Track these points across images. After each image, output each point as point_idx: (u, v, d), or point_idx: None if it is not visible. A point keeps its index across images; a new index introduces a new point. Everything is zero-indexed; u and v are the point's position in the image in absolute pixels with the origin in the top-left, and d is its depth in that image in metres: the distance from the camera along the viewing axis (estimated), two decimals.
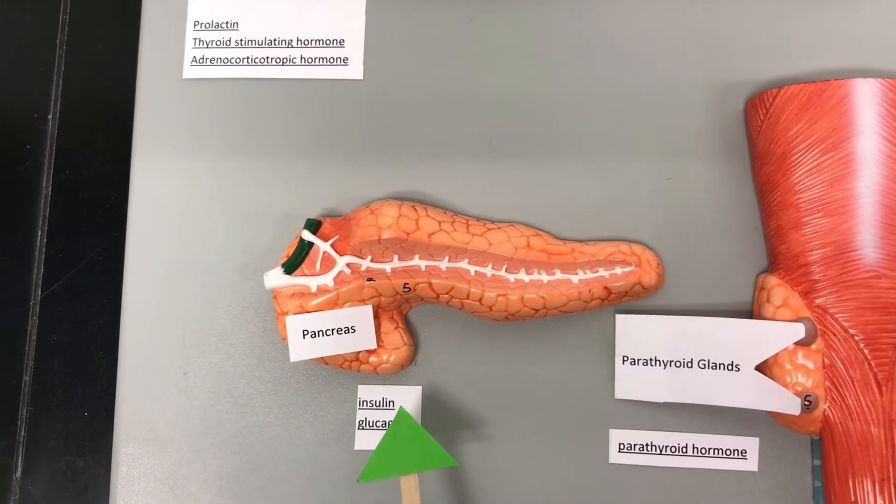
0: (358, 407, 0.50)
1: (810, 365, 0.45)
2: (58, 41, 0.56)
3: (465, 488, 0.49)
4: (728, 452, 0.48)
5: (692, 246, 0.50)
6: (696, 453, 0.48)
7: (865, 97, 0.46)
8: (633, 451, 0.49)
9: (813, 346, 0.45)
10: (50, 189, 0.55)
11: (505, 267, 0.48)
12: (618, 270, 0.48)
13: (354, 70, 0.52)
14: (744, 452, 0.48)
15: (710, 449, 0.48)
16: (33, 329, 0.54)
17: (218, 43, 0.53)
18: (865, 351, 0.45)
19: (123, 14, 0.55)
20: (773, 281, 0.47)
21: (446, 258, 0.48)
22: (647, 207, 0.50)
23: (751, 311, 0.49)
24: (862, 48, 0.51)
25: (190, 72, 0.53)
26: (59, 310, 0.54)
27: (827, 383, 0.45)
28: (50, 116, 0.56)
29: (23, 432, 0.53)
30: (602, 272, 0.48)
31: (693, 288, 0.50)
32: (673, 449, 0.48)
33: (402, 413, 0.45)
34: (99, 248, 0.54)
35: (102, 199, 0.55)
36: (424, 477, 0.49)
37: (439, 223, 0.48)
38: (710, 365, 0.46)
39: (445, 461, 0.45)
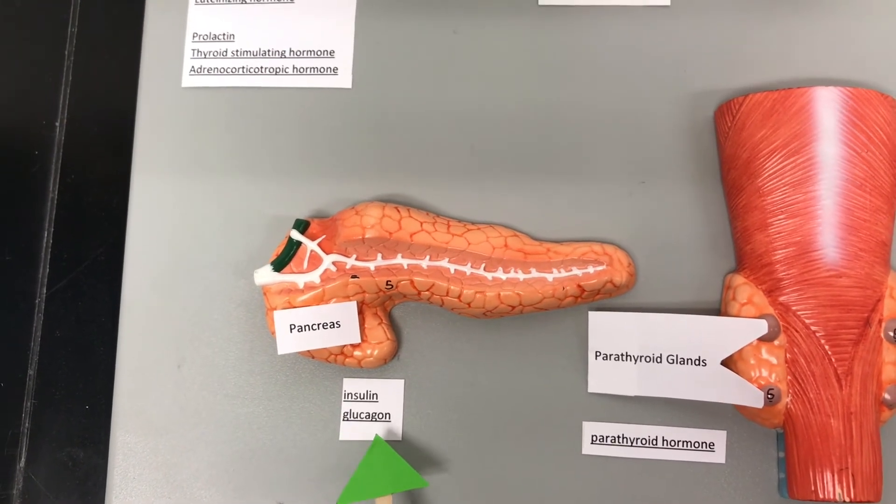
0: (343, 399, 0.52)
1: (773, 360, 0.47)
2: (66, 52, 0.59)
3: (443, 478, 0.51)
4: (696, 445, 0.50)
5: (664, 246, 0.52)
6: (665, 445, 0.50)
7: (826, 104, 0.48)
8: (605, 442, 0.51)
9: (776, 342, 0.47)
10: (56, 192, 0.57)
11: (483, 266, 0.50)
12: (590, 269, 0.50)
13: (343, 79, 0.55)
14: (711, 445, 0.50)
15: (679, 441, 0.50)
16: (38, 325, 0.56)
17: (215, 53, 0.56)
18: (826, 347, 0.47)
19: (127, 27, 0.58)
20: (738, 280, 0.49)
21: (427, 257, 0.50)
22: (621, 210, 0.53)
23: (719, 309, 0.51)
24: (825, 58, 0.53)
25: (188, 81, 0.56)
26: (63, 307, 0.56)
27: (789, 377, 0.47)
28: (57, 123, 0.58)
29: (27, 424, 0.55)
30: (575, 271, 0.50)
31: (665, 287, 0.52)
32: (643, 441, 0.50)
33: (377, 440, 0.49)
34: (102, 249, 0.57)
35: (106, 203, 0.57)
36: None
37: (421, 223, 0.51)
38: (678, 360, 0.48)
39: (417, 483, 0.48)
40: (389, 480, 0.48)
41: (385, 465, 0.48)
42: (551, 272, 0.50)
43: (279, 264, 0.50)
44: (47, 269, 0.57)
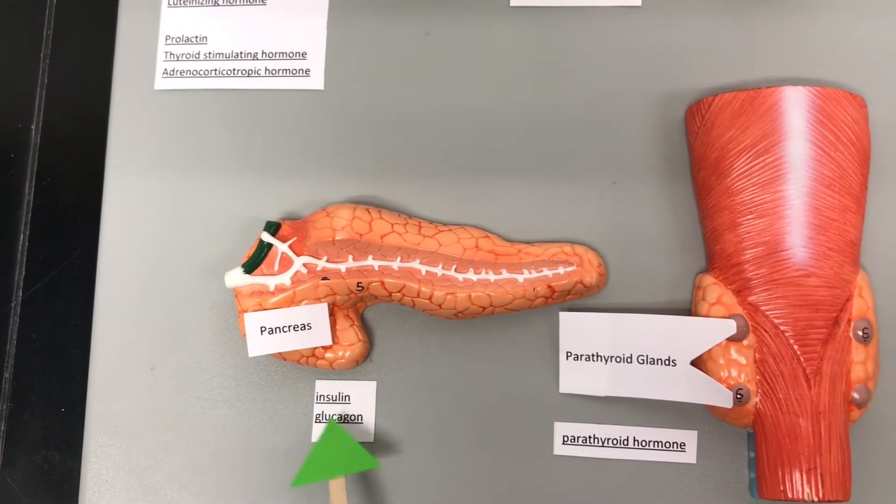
0: (315, 401, 0.52)
1: (742, 360, 0.47)
2: (41, 55, 0.59)
3: (416, 479, 0.51)
4: (667, 445, 0.50)
5: (635, 247, 0.52)
6: (636, 446, 0.50)
7: (794, 104, 0.48)
8: (576, 443, 0.51)
9: (745, 342, 0.47)
10: (32, 195, 0.57)
11: (454, 267, 0.50)
12: (560, 270, 0.50)
13: (315, 81, 0.55)
14: (682, 445, 0.50)
15: (650, 441, 0.50)
16: (14, 328, 0.56)
17: (188, 56, 0.56)
18: (795, 346, 0.47)
19: (102, 29, 0.58)
20: (708, 280, 0.49)
21: (398, 258, 0.50)
22: (592, 210, 0.53)
23: (690, 309, 0.51)
24: (796, 58, 0.53)
25: (161, 83, 0.56)
26: (39, 310, 0.56)
27: (758, 377, 0.47)
28: (33, 126, 0.58)
29: (2, 427, 0.55)
30: (546, 272, 0.50)
31: (636, 287, 0.52)
32: (615, 441, 0.50)
33: (331, 424, 0.49)
34: (78, 252, 0.57)
35: (82, 206, 0.57)
36: (375, 472, 0.51)
37: (392, 225, 0.51)
38: (649, 360, 0.48)
39: (369, 464, 0.49)
40: (343, 462, 0.49)
41: (339, 448, 0.49)
42: (522, 273, 0.50)
43: (250, 266, 0.50)
44: (23, 272, 0.57)
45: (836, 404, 0.46)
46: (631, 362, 0.48)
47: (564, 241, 0.52)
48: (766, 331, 0.47)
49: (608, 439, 0.50)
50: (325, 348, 0.51)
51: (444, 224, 0.52)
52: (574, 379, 0.50)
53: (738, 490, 0.50)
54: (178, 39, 0.56)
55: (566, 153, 0.53)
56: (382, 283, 0.50)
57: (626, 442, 0.50)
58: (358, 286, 0.50)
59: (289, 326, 0.50)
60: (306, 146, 0.55)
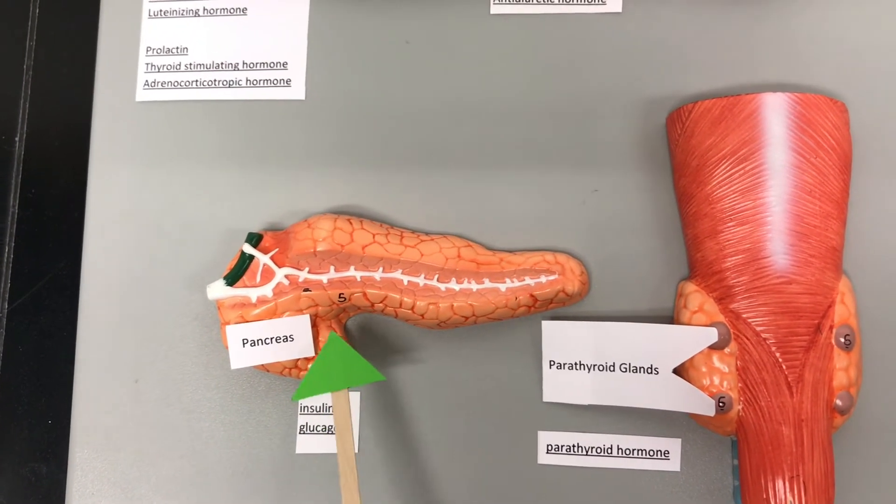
0: (299, 412, 0.52)
1: (724, 368, 0.47)
2: (24, 66, 0.59)
3: (400, 489, 0.51)
4: (651, 453, 0.50)
5: (617, 255, 0.52)
6: (620, 454, 0.50)
7: (774, 111, 0.48)
8: (560, 452, 0.51)
9: (727, 350, 0.47)
10: (17, 207, 0.57)
11: (437, 277, 0.50)
12: (542, 279, 0.50)
13: (297, 91, 0.55)
14: (666, 453, 0.50)
15: (634, 450, 0.50)
16: (0, 341, 0.56)
17: (168, 67, 0.56)
18: (777, 354, 0.47)
19: (84, 41, 0.58)
20: (690, 287, 0.49)
21: (381, 269, 0.50)
22: (574, 218, 0.53)
23: (672, 317, 0.51)
24: (778, 64, 0.53)
25: (142, 95, 0.56)
26: (24, 322, 0.56)
27: (740, 385, 0.47)
28: (17, 138, 0.58)
29: None
30: (528, 281, 0.50)
31: (618, 295, 0.52)
32: (599, 450, 0.50)
33: (332, 337, 0.49)
34: (63, 264, 0.57)
35: (66, 217, 0.57)
36: (360, 483, 0.51)
37: (373, 235, 0.51)
38: (631, 368, 0.48)
39: (373, 377, 0.48)
40: (345, 375, 0.48)
41: (340, 361, 0.48)
42: (504, 282, 0.50)
43: (232, 278, 0.50)
44: (9, 284, 0.57)
45: (819, 412, 0.46)
46: (614, 371, 0.48)
47: (546, 249, 0.52)
48: (747, 338, 0.47)
49: (592, 448, 0.50)
50: (308, 359, 0.51)
51: (426, 233, 0.52)
52: (557, 388, 0.50)
53: (721, 498, 0.50)
54: (158, 50, 0.56)
55: (547, 161, 0.53)
56: (365, 294, 0.50)
57: (609, 450, 0.50)
58: (340, 297, 0.50)
59: (271, 338, 0.50)
60: (288, 156, 0.55)
